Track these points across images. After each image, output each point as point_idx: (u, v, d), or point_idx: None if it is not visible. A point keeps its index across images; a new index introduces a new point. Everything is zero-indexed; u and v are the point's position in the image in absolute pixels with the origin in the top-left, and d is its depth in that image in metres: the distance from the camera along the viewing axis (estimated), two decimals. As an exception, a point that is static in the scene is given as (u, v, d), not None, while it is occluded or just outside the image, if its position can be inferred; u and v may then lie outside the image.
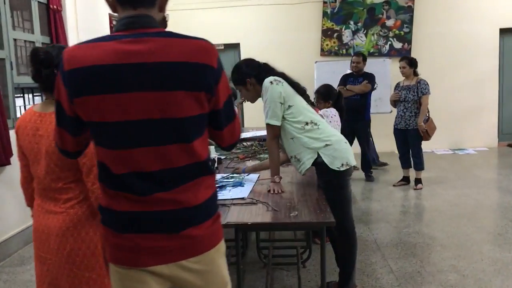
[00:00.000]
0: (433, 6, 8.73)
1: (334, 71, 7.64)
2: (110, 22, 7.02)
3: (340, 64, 8.11)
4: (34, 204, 2.00)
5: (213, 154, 4.31)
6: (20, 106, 4.93)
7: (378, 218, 4.98)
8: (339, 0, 8.77)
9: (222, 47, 9.11)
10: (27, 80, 4.85)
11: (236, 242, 2.43)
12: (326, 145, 2.82)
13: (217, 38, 8.97)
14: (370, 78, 6.52)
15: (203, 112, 1.42)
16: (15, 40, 4.85)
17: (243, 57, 8.98)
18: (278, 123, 2.85)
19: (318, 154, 2.82)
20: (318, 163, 2.84)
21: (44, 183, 1.91)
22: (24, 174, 2.07)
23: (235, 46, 9.09)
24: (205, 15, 8.88)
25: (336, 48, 8.89)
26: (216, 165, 3.64)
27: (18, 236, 4.46)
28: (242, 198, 2.73)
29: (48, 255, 1.91)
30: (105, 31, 6.78)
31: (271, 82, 2.83)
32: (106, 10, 6.86)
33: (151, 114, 1.34)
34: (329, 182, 2.86)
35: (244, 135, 5.36)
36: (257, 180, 3.24)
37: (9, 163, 4.19)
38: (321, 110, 4.34)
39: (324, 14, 8.80)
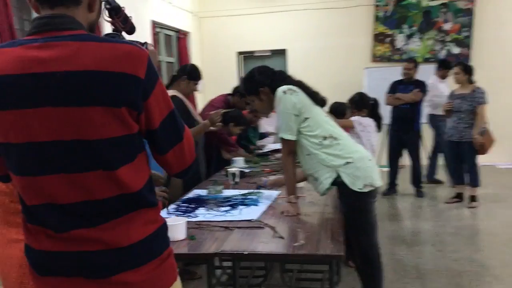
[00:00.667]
0: (496, 8, 8.05)
1: (386, 78, 7.16)
2: (153, 29, 6.98)
3: (392, 70, 7.62)
4: None
5: (240, 165, 4.09)
6: None
7: (423, 240, 4.52)
8: (392, 3, 8.29)
9: (269, 54, 8.89)
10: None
11: (233, 273, 2.16)
12: (347, 162, 2.49)
13: (263, 44, 8.78)
14: (422, 86, 6.05)
15: (130, 133, 1.16)
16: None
17: (290, 64, 8.75)
18: (292, 137, 2.55)
19: (338, 173, 2.50)
20: (338, 183, 2.51)
21: (6, 206, 1.73)
22: None
23: (282, 53, 8.82)
24: (250, 21, 8.68)
25: (389, 53, 8.41)
26: (237, 179, 3.39)
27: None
28: (249, 220, 2.46)
29: (26, 279, 1.72)
30: (147, 39, 6.74)
31: (284, 92, 2.54)
32: (149, 16, 6.83)
33: (61, 135, 1.11)
34: (350, 205, 2.53)
35: (273, 146, 5.08)
36: (276, 198, 2.96)
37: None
38: (355, 117, 4.00)
39: (376, 18, 8.35)
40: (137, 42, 1.51)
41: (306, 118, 2.55)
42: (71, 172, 1.14)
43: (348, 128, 4.09)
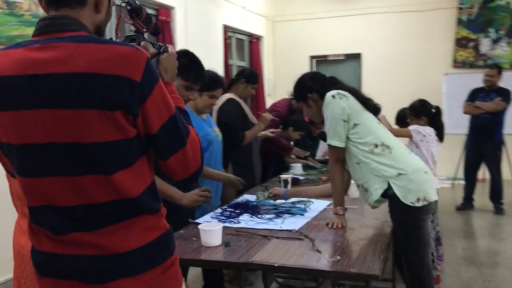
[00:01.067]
0: None
1: (467, 84, 6.69)
2: (225, 33, 7.04)
3: (474, 77, 7.08)
4: (15, 222, 1.86)
5: (297, 171, 3.97)
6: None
7: (496, 262, 4.13)
8: (477, 5, 7.76)
9: (343, 58, 8.67)
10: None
11: (265, 285, 2.05)
12: (399, 174, 2.30)
13: (337, 48, 8.58)
14: (505, 94, 5.58)
15: (126, 137, 1.12)
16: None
17: (364, 68, 8.47)
18: (341, 144, 2.41)
19: (389, 184, 2.31)
20: (389, 195, 2.33)
21: (21, 197, 1.76)
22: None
23: (357, 57, 8.56)
24: (325, 25, 8.51)
25: (472, 59, 7.87)
26: (289, 187, 3.28)
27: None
28: (290, 231, 2.35)
29: (23, 279, 1.75)
30: (218, 43, 6.81)
31: (333, 96, 2.40)
32: (221, 21, 6.90)
33: (55, 137, 1.09)
34: (401, 220, 2.33)
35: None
36: (325, 208, 2.81)
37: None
38: (413, 126, 3.73)
39: (459, 21, 7.84)
40: (158, 44, 1.47)
41: (356, 124, 2.39)
42: (68, 175, 1.12)
43: (405, 137, 3.84)
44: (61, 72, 1.06)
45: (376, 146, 2.36)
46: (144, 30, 1.49)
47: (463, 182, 5.94)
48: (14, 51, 1.12)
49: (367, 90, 8.19)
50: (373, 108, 2.49)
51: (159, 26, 1.61)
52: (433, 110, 3.78)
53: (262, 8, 8.38)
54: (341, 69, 8.73)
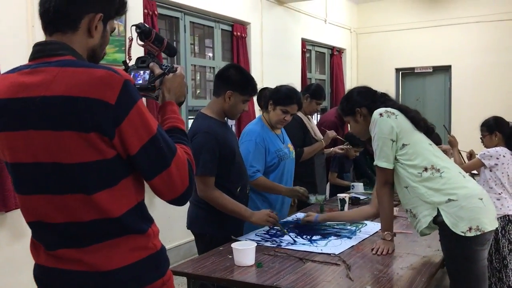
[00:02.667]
0: None
1: None
2: (303, 47, 7.02)
3: None
4: None
5: (358, 190, 3.82)
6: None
7: None
8: None
9: (431, 70, 8.24)
10: (202, 103, 5.13)
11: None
12: (450, 200, 2.10)
13: (425, 60, 8.20)
14: None
15: (104, 158, 1.14)
16: (194, 66, 5.19)
17: (454, 81, 7.99)
18: (389, 166, 2.26)
19: (438, 211, 2.13)
20: (439, 223, 2.14)
21: None
22: None
23: (446, 69, 8.09)
24: (411, 36, 8.16)
25: None
26: (345, 207, 3.15)
27: (176, 250, 4.71)
28: (329, 254, 2.25)
29: None
30: (296, 56, 6.80)
31: (380, 114, 2.26)
32: (299, 34, 6.89)
33: (40, 157, 1.15)
34: (451, 251, 2.13)
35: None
36: (378, 231, 2.66)
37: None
38: (482, 152, 3.40)
39: None
40: (165, 65, 1.49)
41: (405, 145, 2.23)
42: (53, 194, 1.17)
43: (478, 168, 3.53)
44: (44, 95, 1.12)
45: (426, 169, 2.18)
46: (157, 51, 1.52)
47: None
48: (10, 76, 1.20)
49: (457, 104, 7.88)
50: (425, 129, 2.31)
51: (173, 46, 1.62)
52: (509, 128, 3.43)
53: (345, 20, 8.24)
54: (428, 82, 8.32)
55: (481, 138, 3.60)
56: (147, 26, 1.49)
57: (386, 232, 2.34)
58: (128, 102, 1.13)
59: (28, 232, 1.28)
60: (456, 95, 7.98)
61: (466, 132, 6.81)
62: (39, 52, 1.19)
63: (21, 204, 1.25)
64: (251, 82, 2.59)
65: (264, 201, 2.97)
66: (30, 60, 1.20)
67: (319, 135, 3.87)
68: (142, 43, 1.49)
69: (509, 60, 7.48)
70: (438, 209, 2.13)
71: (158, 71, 1.44)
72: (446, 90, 8.17)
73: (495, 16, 7.54)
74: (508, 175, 3.35)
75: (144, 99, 1.28)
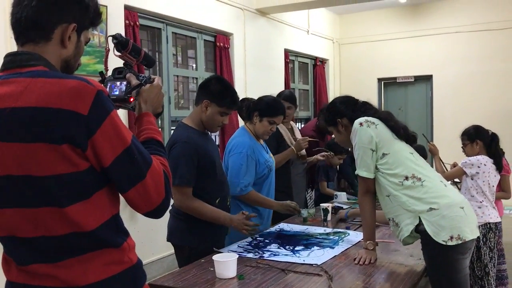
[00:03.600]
0: None
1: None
2: (286, 57, 7.04)
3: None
4: None
5: (342, 200, 3.82)
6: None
7: None
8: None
9: (412, 80, 8.33)
10: (184, 113, 5.10)
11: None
12: (431, 208, 2.11)
13: (407, 70, 8.28)
14: None
15: (77, 170, 1.11)
16: (177, 76, 5.17)
17: (436, 90, 8.07)
18: (369, 175, 2.26)
19: (420, 220, 2.13)
20: (421, 232, 2.15)
21: None
22: None
23: (427, 78, 8.19)
24: (393, 46, 8.25)
25: (557, 79, 7.25)
26: (327, 217, 3.13)
27: (159, 262, 4.65)
28: (311, 265, 2.23)
29: None
30: (279, 67, 6.81)
31: (360, 124, 2.27)
32: (282, 45, 6.92)
33: (11, 170, 1.11)
34: (433, 259, 2.13)
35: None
36: (361, 240, 2.66)
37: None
38: (462, 161, 3.44)
39: (541, 39, 7.28)
40: (142, 76, 1.47)
41: (385, 154, 2.24)
42: (24, 207, 1.13)
43: (460, 177, 3.56)
44: (14, 106, 1.09)
45: (407, 178, 2.19)
46: (134, 62, 1.51)
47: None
48: None
49: (439, 112, 7.95)
50: (406, 137, 2.33)
51: (151, 57, 1.61)
52: (489, 136, 3.47)
53: (327, 31, 8.31)
54: (410, 91, 8.41)
55: (462, 147, 3.63)
56: (124, 36, 1.48)
57: (368, 242, 2.33)
58: (101, 113, 1.11)
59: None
60: (438, 104, 8.07)
61: (448, 140, 6.87)
62: (10, 62, 1.16)
63: None
64: (230, 94, 2.55)
65: (253, 211, 2.94)
66: (1, 71, 1.17)
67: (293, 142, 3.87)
68: (119, 53, 1.48)
69: (487, 69, 7.60)
70: (420, 218, 2.13)
71: (134, 81, 1.42)
72: (428, 99, 8.27)
73: (473, 27, 7.67)
74: (489, 184, 3.38)
75: (126, 110, 1.26)
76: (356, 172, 2.33)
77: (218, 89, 2.53)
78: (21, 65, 1.15)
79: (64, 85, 1.09)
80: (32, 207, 1.12)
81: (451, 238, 2.07)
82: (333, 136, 2.80)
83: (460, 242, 2.07)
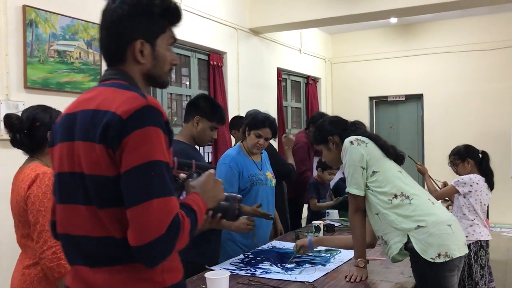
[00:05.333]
0: None
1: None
2: (279, 76, 7.13)
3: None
4: None
5: (333, 217, 3.85)
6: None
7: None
8: (549, 42, 7.32)
9: (403, 98, 8.44)
10: (177, 131, 5.13)
11: None
12: (419, 226, 2.15)
13: (398, 89, 8.40)
14: None
15: (109, 175, 1.14)
16: (171, 94, 5.22)
17: (427, 109, 8.17)
18: (360, 193, 2.30)
19: (409, 238, 2.17)
20: (410, 249, 2.18)
21: (16, 238, 1.95)
22: None
23: (418, 97, 8.31)
24: (384, 65, 8.38)
25: (545, 99, 7.37)
26: (320, 234, 3.16)
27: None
28: (303, 283, 2.25)
29: None
30: (272, 85, 6.89)
31: (351, 142, 2.32)
32: (275, 64, 7.00)
33: (73, 167, 1.22)
34: (422, 276, 2.16)
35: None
36: (352, 258, 2.68)
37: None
38: (456, 179, 3.48)
39: (530, 59, 7.43)
40: (192, 172, 1.49)
41: (375, 172, 2.28)
42: (76, 203, 1.20)
43: (452, 195, 3.60)
44: (85, 108, 1.21)
45: (396, 196, 2.23)
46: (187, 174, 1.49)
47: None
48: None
49: (429, 131, 8.04)
50: (395, 156, 2.37)
51: (204, 164, 1.66)
52: (480, 155, 3.53)
53: (319, 50, 8.43)
54: (401, 110, 8.51)
55: (450, 165, 3.68)
56: (182, 160, 1.53)
57: (359, 259, 2.35)
58: (137, 122, 1.12)
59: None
60: (428, 123, 8.17)
61: (439, 159, 6.93)
62: (102, 76, 1.30)
63: (57, 214, 1.29)
64: (219, 110, 2.69)
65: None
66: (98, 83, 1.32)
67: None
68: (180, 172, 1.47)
69: (477, 89, 7.72)
70: (408, 236, 2.17)
71: (182, 175, 1.44)
72: (419, 118, 8.37)
73: (463, 47, 7.81)
74: (481, 202, 3.42)
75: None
76: (346, 190, 2.37)
77: (208, 106, 2.67)
78: (107, 78, 1.27)
79: (124, 94, 1.17)
80: (79, 204, 1.19)
81: (439, 255, 2.10)
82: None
83: (447, 259, 2.10)
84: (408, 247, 2.17)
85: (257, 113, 3.18)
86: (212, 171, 1.42)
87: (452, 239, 2.15)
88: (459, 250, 2.15)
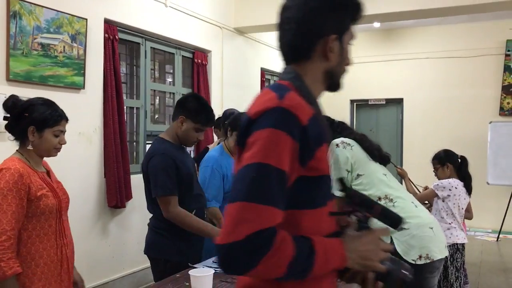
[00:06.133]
0: None
1: (515, 134, 6.47)
2: (262, 76, 7.15)
3: (523, 126, 6.87)
4: None
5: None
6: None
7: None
8: (527, 52, 7.51)
9: (384, 102, 8.56)
10: (160, 128, 5.12)
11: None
12: (401, 228, 2.19)
13: (379, 92, 8.51)
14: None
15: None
16: (154, 91, 5.19)
17: (406, 113, 8.30)
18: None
19: (392, 239, 2.21)
20: (392, 251, 2.22)
21: None
22: None
23: (398, 102, 8.43)
24: (366, 69, 8.46)
25: (520, 107, 7.56)
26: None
27: (131, 277, 4.60)
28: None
29: None
30: (255, 85, 6.91)
31: (337, 145, 2.36)
32: (258, 64, 7.02)
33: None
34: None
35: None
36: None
37: (124, 206, 4.36)
38: (434, 183, 3.56)
39: (506, 68, 7.60)
40: (359, 219, 1.31)
41: (359, 175, 2.33)
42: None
43: (431, 198, 3.67)
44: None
45: (380, 199, 2.28)
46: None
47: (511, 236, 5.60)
48: None
49: (408, 134, 8.17)
50: (380, 158, 2.42)
51: (393, 214, 1.34)
52: (459, 160, 3.61)
53: (303, 52, 8.47)
54: (382, 114, 8.63)
55: (434, 171, 3.76)
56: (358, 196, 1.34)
57: (341, 260, 2.39)
58: (261, 123, 1.07)
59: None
60: (408, 126, 8.30)
61: (417, 162, 7.13)
62: (279, 75, 1.26)
63: (320, 216, 1.18)
64: (206, 111, 2.61)
65: None
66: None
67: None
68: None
69: (454, 95, 7.88)
70: (391, 237, 2.22)
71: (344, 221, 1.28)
72: (399, 122, 8.50)
73: (443, 53, 7.96)
74: (459, 206, 3.51)
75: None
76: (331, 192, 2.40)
77: (194, 106, 2.59)
78: (282, 78, 1.21)
79: (266, 95, 1.12)
80: None
81: (420, 257, 2.15)
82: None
83: (428, 261, 2.16)
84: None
85: (240, 113, 3.18)
86: (381, 230, 1.26)
87: (434, 241, 2.21)
88: (440, 252, 2.21)
